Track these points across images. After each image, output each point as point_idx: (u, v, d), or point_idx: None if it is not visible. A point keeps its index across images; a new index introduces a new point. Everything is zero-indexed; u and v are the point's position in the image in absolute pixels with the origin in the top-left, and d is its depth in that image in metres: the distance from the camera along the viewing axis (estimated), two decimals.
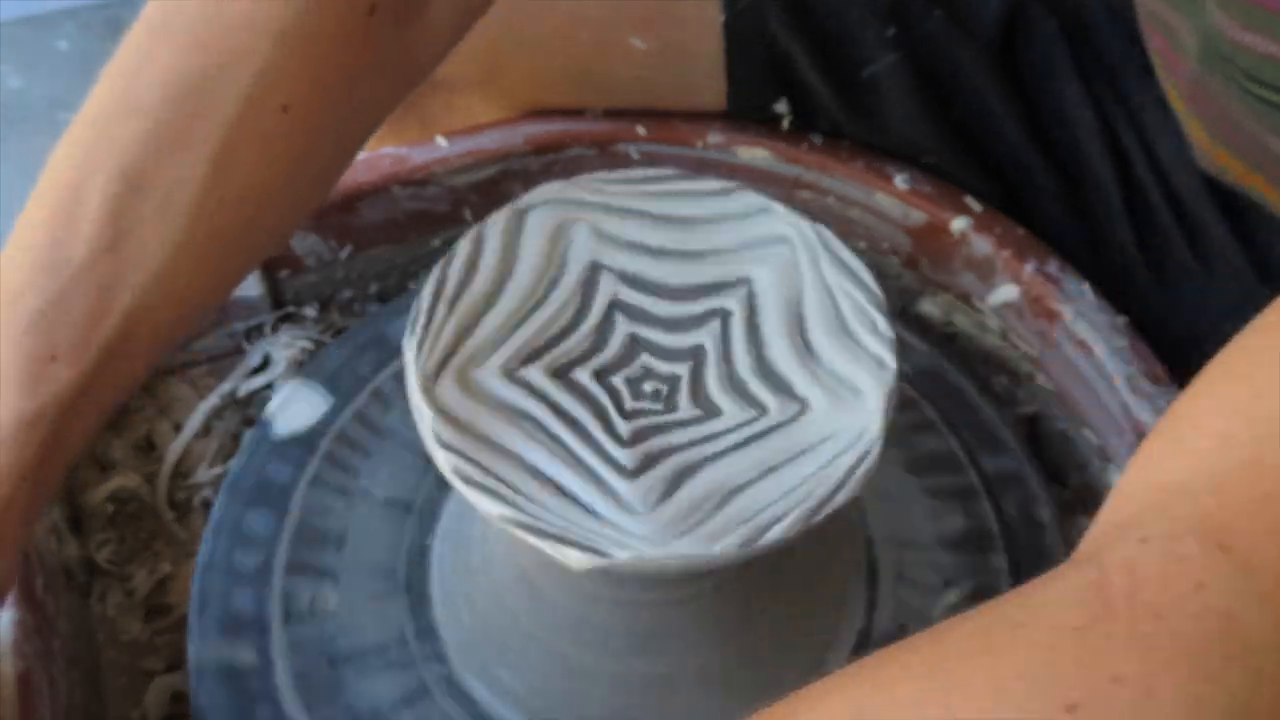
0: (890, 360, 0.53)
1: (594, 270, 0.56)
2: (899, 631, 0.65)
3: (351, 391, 0.72)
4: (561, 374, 0.54)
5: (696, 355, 0.55)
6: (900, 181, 0.76)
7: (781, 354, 0.54)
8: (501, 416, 0.52)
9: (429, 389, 0.51)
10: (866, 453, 0.51)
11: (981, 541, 0.69)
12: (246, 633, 0.64)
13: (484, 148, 0.78)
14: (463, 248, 0.55)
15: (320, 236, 0.77)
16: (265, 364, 0.79)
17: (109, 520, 0.73)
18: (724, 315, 0.55)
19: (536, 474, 0.51)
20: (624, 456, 0.51)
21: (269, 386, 0.78)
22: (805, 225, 0.57)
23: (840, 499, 0.50)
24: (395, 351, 0.73)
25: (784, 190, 0.78)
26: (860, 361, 0.53)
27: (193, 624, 0.64)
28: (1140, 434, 0.70)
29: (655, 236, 0.57)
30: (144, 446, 0.77)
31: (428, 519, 0.66)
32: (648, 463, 0.51)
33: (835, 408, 0.53)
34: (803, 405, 0.53)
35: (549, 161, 0.79)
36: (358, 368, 0.73)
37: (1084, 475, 0.75)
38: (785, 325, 0.55)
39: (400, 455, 0.69)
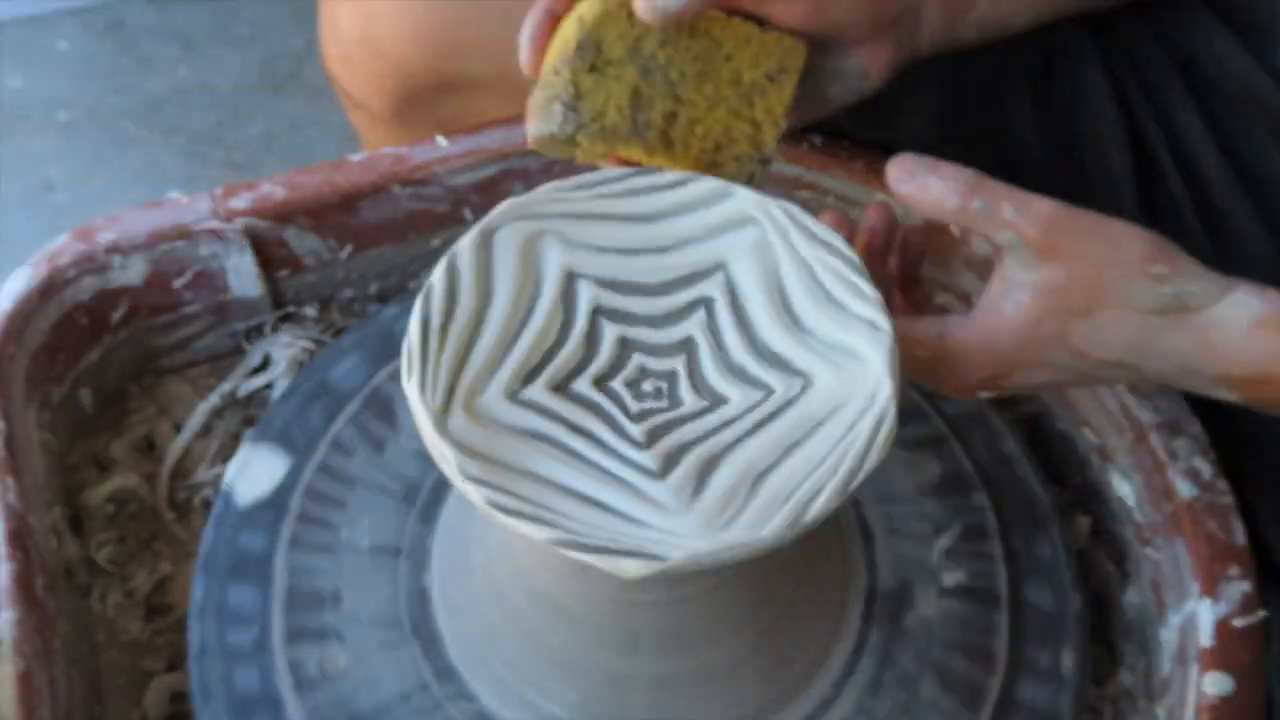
0: (883, 320, 0.53)
1: (571, 279, 0.55)
2: (902, 585, 0.66)
3: (308, 446, 0.70)
4: (562, 388, 0.53)
5: (688, 347, 0.55)
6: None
7: (772, 332, 0.54)
8: (516, 440, 0.51)
9: (442, 427, 0.51)
10: (884, 414, 0.51)
11: (960, 484, 0.70)
12: (259, 712, 0.63)
13: (484, 147, 0.78)
14: (438, 280, 0.54)
15: (320, 236, 0.77)
16: (265, 364, 0.79)
17: (109, 520, 0.73)
18: (707, 303, 0.55)
19: (566, 491, 0.50)
20: (645, 459, 0.51)
21: (269, 386, 0.78)
22: (770, 204, 0.56)
23: (870, 463, 0.50)
24: (343, 398, 0.72)
25: (784, 190, 0.78)
26: (852, 327, 0.53)
27: (200, 715, 0.63)
28: (1140, 434, 0.70)
29: (624, 236, 0.56)
30: (144, 446, 0.77)
31: (420, 559, 0.65)
32: (670, 461, 0.51)
33: (839, 377, 0.53)
34: (806, 379, 0.53)
35: (549, 161, 0.79)
36: (309, 421, 0.71)
37: (1084, 475, 0.75)
38: (770, 303, 0.55)
39: (377, 501, 0.68)
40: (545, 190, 0.57)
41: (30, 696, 0.58)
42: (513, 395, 0.53)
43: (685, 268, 0.56)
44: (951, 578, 0.67)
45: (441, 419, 0.51)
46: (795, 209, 0.56)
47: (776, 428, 0.52)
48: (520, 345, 0.54)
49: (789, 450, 0.51)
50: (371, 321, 0.76)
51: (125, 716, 0.67)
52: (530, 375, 0.53)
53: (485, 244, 0.55)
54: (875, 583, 0.65)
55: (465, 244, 0.55)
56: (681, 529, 0.49)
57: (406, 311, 0.72)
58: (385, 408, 0.71)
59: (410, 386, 0.51)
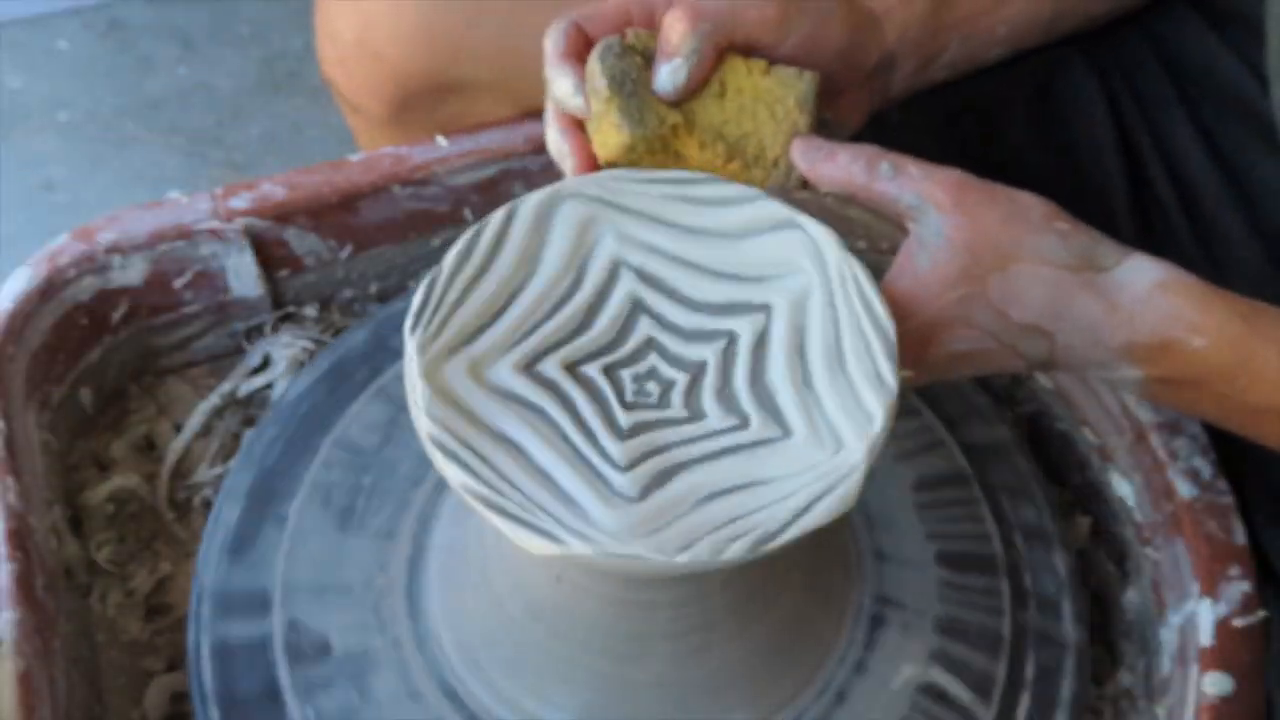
0: (880, 418, 0.52)
1: (617, 268, 0.56)
2: (899, 550, 0.67)
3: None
4: (574, 367, 0.54)
5: (698, 367, 0.55)
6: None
7: (778, 379, 0.54)
8: (502, 402, 0.52)
9: (433, 368, 0.51)
10: (837, 500, 0.50)
11: (923, 435, 0.72)
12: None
13: (484, 147, 0.78)
14: (489, 231, 0.54)
15: (320, 236, 0.77)
16: (265, 364, 0.79)
17: (109, 520, 0.73)
18: (732, 337, 0.55)
19: (524, 460, 0.51)
20: (619, 450, 0.52)
21: (269, 386, 0.78)
22: (833, 247, 0.55)
23: (787, 536, 0.49)
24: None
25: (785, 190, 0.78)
26: (848, 410, 0.53)
27: None
28: (1140, 434, 0.70)
29: (684, 247, 0.56)
30: (144, 446, 0.77)
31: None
32: (639, 459, 0.52)
33: (815, 444, 0.52)
34: (785, 431, 0.53)
35: (549, 161, 0.79)
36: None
37: (1084, 475, 0.75)
38: (788, 354, 0.55)
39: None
40: (615, 177, 0.56)
41: (30, 696, 0.58)
42: (525, 367, 0.53)
43: (729, 296, 0.56)
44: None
45: (436, 362, 0.52)
46: (854, 260, 0.55)
47: (741, 461, 0.52)
48: (554, 321, 0.54)
49: (747, 484, 0.51)
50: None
51: (125, 716, 0.67)
52: (552, 349, 0.54)
53: (547, 212, 0.55)
54: (878, 544, 0.67)
55: (531, 203, 0.55)
56: (610, 525, 0.49)
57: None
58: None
59: (408, 326, 0.52)
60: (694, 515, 0.50)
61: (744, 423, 0.53)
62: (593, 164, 0.59)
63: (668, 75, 0.57)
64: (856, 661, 0.63)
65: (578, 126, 0.59)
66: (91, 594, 0.71)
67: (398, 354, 0.61)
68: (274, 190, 0.75)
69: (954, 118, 0.78)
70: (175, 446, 0.76)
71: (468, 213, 0.79)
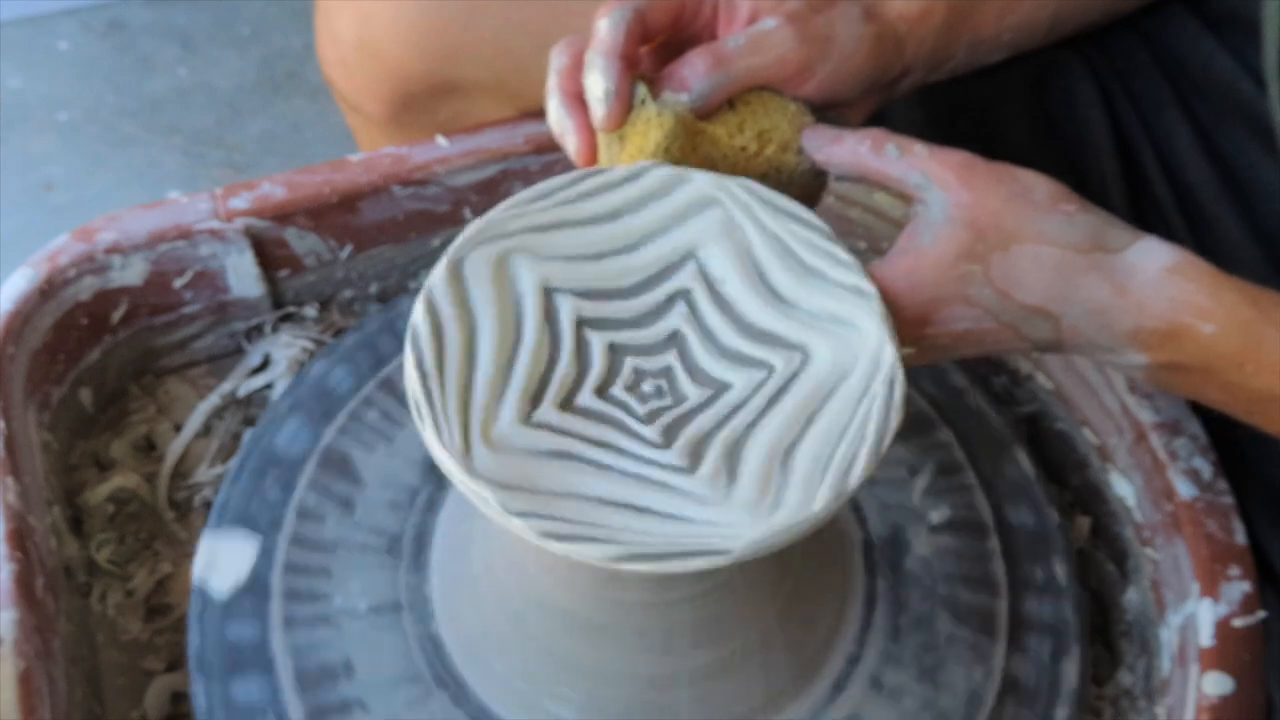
0: (867, 285, 0.53)
1: (549, 295, 0.55)
2: (893, 532, 0.67)
3: (273, 522, 0.68)
4: (568, 404, 0.53)
5: (676, 341, 0.54)
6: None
7: (758, 312, 0.54)
8: (543, 464, 0.51)
9: (470, 469, 0.50)
10: (894, 375, 0.51)
11: (921, 423, 0.72)
12: None
13: (484, 147, 0.78)
14: (420, 321, 0.52)
15: (320, 236, 0.77)
16: (265, 364, 0.79)
17: (109, 520, 0.73)
18: (686, 294, 0.55)
19: (610, 504, 0.50)
20: (669, 457, 0.51)
21: (269, 386, 0.78)
22: (729, 182, 0.56)
23: (894, 424, 0.51)
24: (295, 465, 0.70)
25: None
26: (836, 295, 0.53)
27: None
28: (1140, 434, 0.70)
29: (589, 240, 0.56)
30: (144, 446, 0.77)
31: (423, 609, 0.64)
32: (695, 455, 0.51)
33: (835, 345, 0.53)
34: (804, 353, 0.53)
35: (549, 161, 0.79)
36: (266, 496, 0.69)
37: (1084, 475, 0.75)
38: (748, 284, 0.55)
39: (362, 560, 0.66)
40: (503, 209, 0.55)
41: (30, 696, 0.58)
42: (525, 419, 0.52)
43: (656, 263, 0.56)
44: (938, 515, 0.69)
45: (466, 460, 0.50)
46: (755, 184, 0.56)
47: (788, 403, 0.52)
48: (518, 369, 0.53)
49: (808, 422, 0.52)
50: (303, 382, 0.74)
51: (125, 716, 0.67)
52: (535, 397, 0.53)
53: (456, 274, 0.54)
54: (869, 534, 0.67)
55: (437, 278, 0.54)
56: (727, 519, 0.49)
57: (336, 365, 0.73)
58: (343, 465, 0.70)
59: (428, 436, 0.50)
60: (793, 474, 0.50)
61: (769, 370, 0.53)
62: (593, 141, 0.58)
63: (673, 102, 0.58)
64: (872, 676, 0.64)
65: (580, 103, 0.59)
66: (91, 594, 0.71)
67: None
68: (274, 190, 0.75)
69: (951, 119, 0.78)
70: (175, 446, 0.76)
71: (467, 213, 0.79)
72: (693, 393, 0.53)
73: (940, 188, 0.55)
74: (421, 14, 0.76)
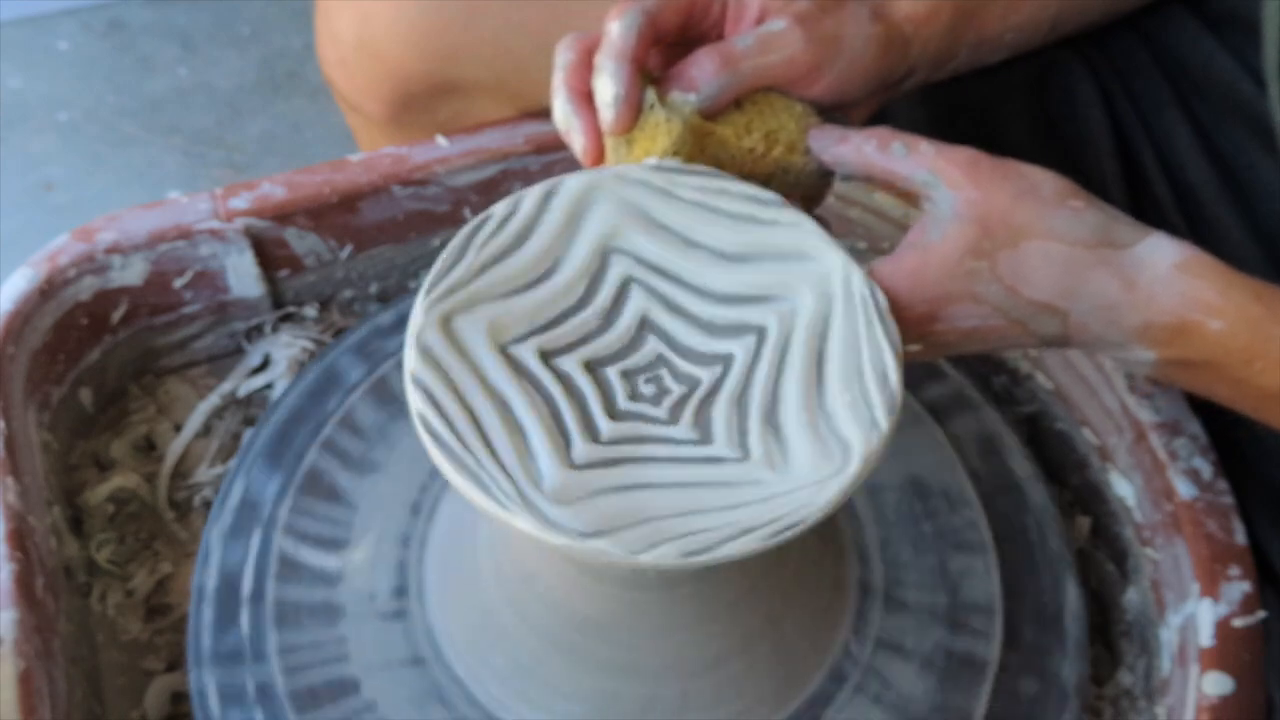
0: (793, 214, 0.54)
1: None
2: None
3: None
4: (592, 366, 0.53)
5: (650, 328, 0.54)
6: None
7: (715, 277, 0.54)
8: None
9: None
10: (871, 288, 0.53)
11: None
12: None
13: (484, 147, 0.78)
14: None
15: (320, 236, 0.77)
16: (265, 364, 0.79)
17: (109, 520, 0.73)
18: (633, 282, 0.55)
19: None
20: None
21: (269, 386, 0.78)
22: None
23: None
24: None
25: None
26: (778, 233, 0.54)
27: None
28: (1140, 434, 0.70)
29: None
30: (144, 446, 0.77)
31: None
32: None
33: (810, 283, 0.53)
34: (790, 302, 0.54)
35: (549, 161, 0.79)
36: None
37: (1084, 475, 0.75)
38: (683, 252, 0.55)
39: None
40: (434, 283, 0.54)
41: (30, 696, 0.58)
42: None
43: (583, 271, 0.55)
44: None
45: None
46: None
47: (795, 355, 0.53)
48: (529, 423, 0.52)
49: (821, 363, 0.53)
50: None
51: (125, 716, 0.67)
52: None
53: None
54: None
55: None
56: (799, 479, 0.50)
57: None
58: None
59: (502, 513, 0.50)
60: (835, 418, 0.51)
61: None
62: (600, 142, 0.58)
63: (681, 102, 0.57)
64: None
65: (588, 101, 0.58)
66: (91, 594, 0.71)
67: None
68: (274, 190, 0.75)
69: (952, 118, 0.78)
70: (175, 447, 0.76)
71: (467, 212, 0.79)
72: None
73: (947, 185, 0.55)
74: (421, 14, 0.76)
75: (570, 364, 0.53)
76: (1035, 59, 0.75)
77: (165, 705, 0.68)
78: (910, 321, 0.55)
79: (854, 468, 0.50)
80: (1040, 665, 0.66)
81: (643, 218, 0.55)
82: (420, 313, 0.52)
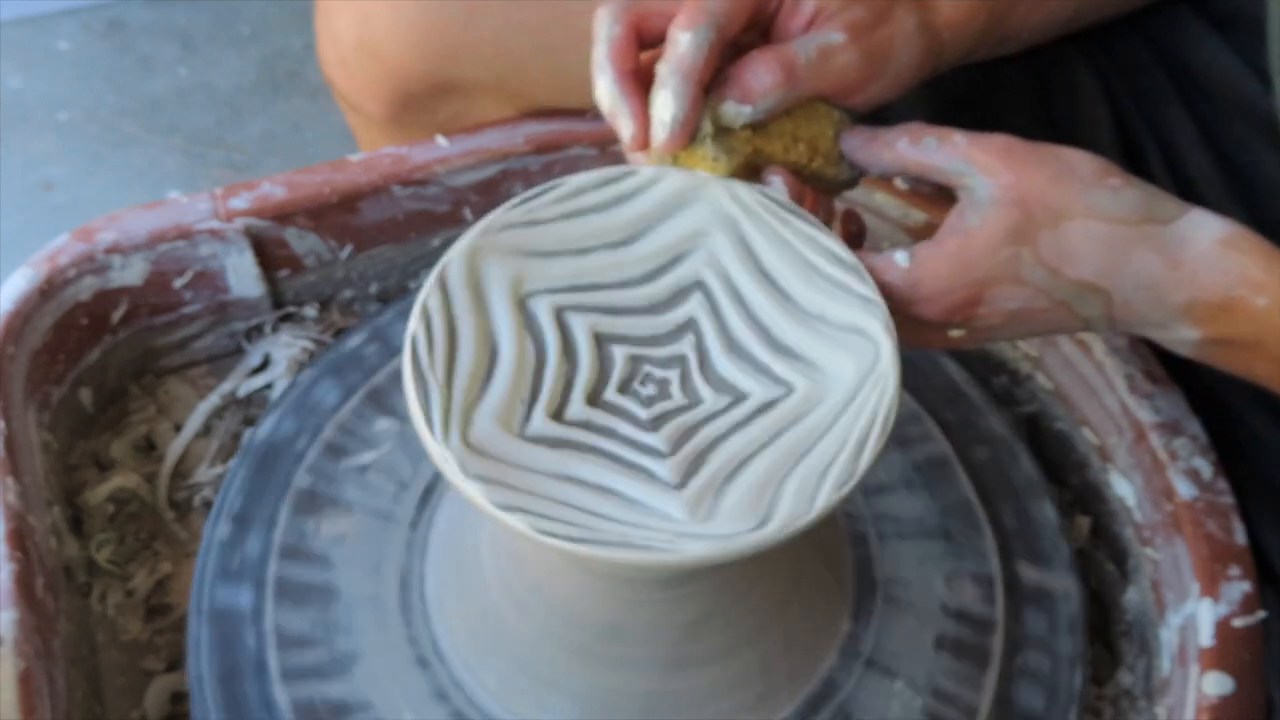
0: (874, 294, 0.53)
1: (527, 300, 0.54)
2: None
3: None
4: (596, 400, 0.53)
5: (694, 329, 0.54)
6: (900, 181, 0.76)
7: (773, 317, 0.54)
8: (555, 450, 0.51)
9: (463, 428, 0.51)
10: (886, 386, 0.52)
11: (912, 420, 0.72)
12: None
13: (484, 147, 0.78)
14: (422, 332, 0.52)
15: (320, 236, 0.77)
16: (265, 364, 0.79)
17: (109, 520, 0.73)
18: (700, 285, 0.55)
19: (581, 483, 0.51)
20: (656, 440, 0.52)
21: (269, 386, 0.78)
22: (710, 181, 0.55)
23: (875, 438, 0.51)
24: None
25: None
26: (846, 301, 0.53)
27: None
28: (1140, 433, 0.70)
29: (573, 236, 0.55)
30: (144, 446, 0.77)
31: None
32: (692, 466, 0.51)
33: (855, 361, 0.53)
34: (823, 374, 0.53)
35: (549, 161, 0.79)
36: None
37: (1084, 475, 0.75)
38: (757, 280, 0.55)
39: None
40: (483, 223, 0.55)
41: (30, 696, 0.58)
42: (555, 415, 0.52)
43: (657, 255, 0.56)
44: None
45: (459, 423, 0.51)
46: (736, 183, 0.55)
47: (802, 426, 0.52)
48: (546, 380, 0.53)
49: (802, 456, 0.52)
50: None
51: (125, 716, 0.67)
52: (564, 396, 0.53)
53: (440, 287, 0.54)
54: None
55: (429, 290, 0.53)
56: (674, 513, 0.50)
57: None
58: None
59: (425, 438, 0.51)
60: (782, 500, 0.50)
61: (788, 390, 0.53)
62: (648, 128, 0.56)
63: (735, 114, 0.57)
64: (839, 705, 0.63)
65: (638, 83, 0.56)
66: (91, 594, 0.71)
67: None
68: (274, 190, 0.75)
69: (956, 115, 0.78)
70: (175, 447, 0.76)
71: (467, 212, 0.79)
72: (707, 398, 0.53)
73: (983, 172, 0.55)
74: (421, 14, 0.76)
75: (582, 327, 0.54)
76: (1039, 55, 0.75)
77: (165, 705, 0.68)
78: (953, 306, 0.55)
79: (886, 347, 0.52)
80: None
81: (733, 230, 0.55)
82: (476, 235, 0.53)
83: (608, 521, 0.49)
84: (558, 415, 0.52)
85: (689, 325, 0.55)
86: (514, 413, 0.51)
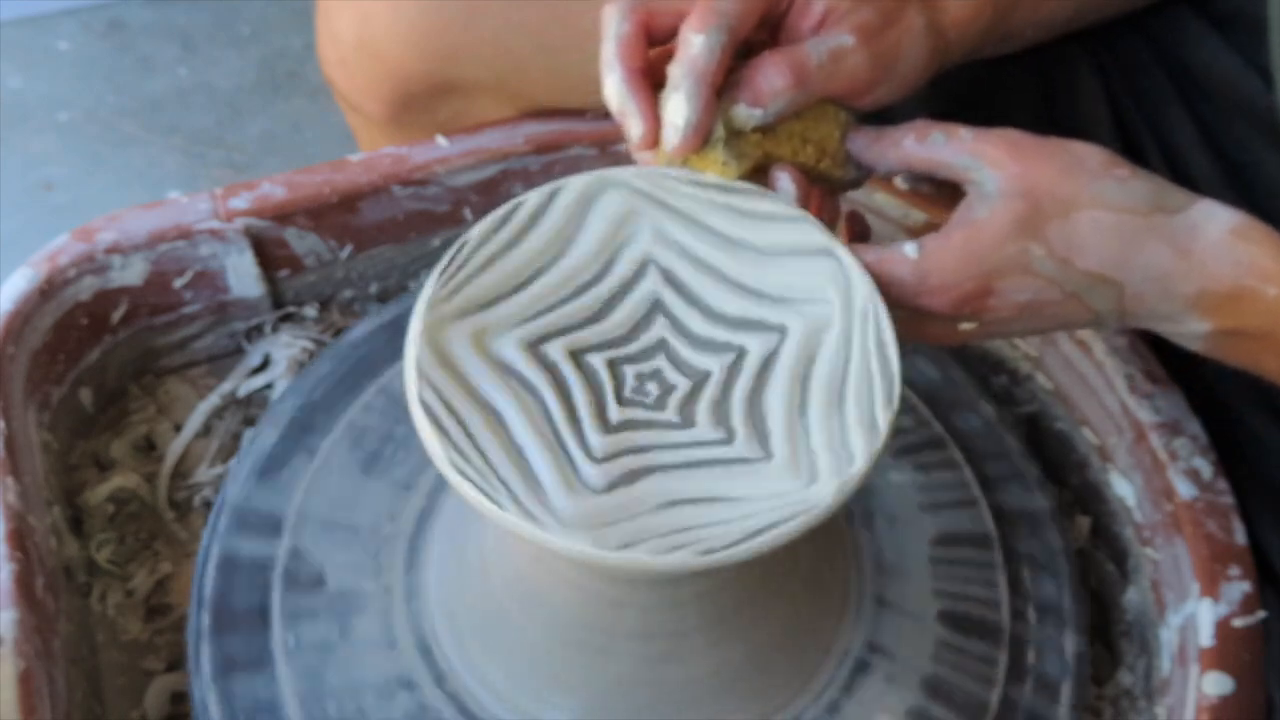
0: (861, 460, 0.51)
1: (644, 265, 0.55)
2: (902, 600, 0.66)
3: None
4: (579, 355, 0.53)
5: (701, 376, 0.54)
6: (900, 181, 0.76)
7: (773, 406, 0.53)
8: (504, 378, 0.52)
9: (436, 329, 0.51)
10: (795, 528, 0.50)
11: (956, 491, 0.71)
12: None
13: (484, 147, 0.78)
14: (532, 200, 0.54)
15: (320, 236, 0.77)
16: (265, 364, 0.79)
17: (109, 520, 0.73)
18: (741, 353, 0.54)
19: (503, 432, 0.51)
20: (599, 442, 0.51)
21: (269, 386, 0.78)
22: (861, 285, 0.54)
23: (738, 553, 0.49)
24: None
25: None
26: (834, 447, 0.52)
27: None
28: (1140, 434, 0.70)
29: (717, 257, 0.55)
30: (144, 446, 0.77)
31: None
32: (616, 454, 0.51)
33: (790, 473, 0.51)
34: (766, 453, 0.52)
35: (549, 161, 0.79)
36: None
37: (1084, 475, 0.75)
38: (793, 375, 0.54)
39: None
40: (668, 174, 0.55)
41: (30, 696, 0.58)
42: (529, 345, 0.53)
43: (749, 312, 0.55)
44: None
45: (442, 323, 0.52)
46: (881, 303, 0.54)
47: (713, 475, 0.52)
48: (567, 307, 0.53)
49: (705, 500, 0.51)
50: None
51: (125, 716, 0.67)
52: (558, 333, 0.53)
53: (589, 197, 0.55)
54: (882, 556, 0.67)
55: (574, 186, 0.54)
56: (566, 511, 0.50)
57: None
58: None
59: (507, 518, 0.50)
60: (649, 518, 0.50)
61: (729, 438, 0.52)
62: (658, 128, 0.55)
63: (746, 117, 0.56)
64: (831, 702, 0.62)
65: (647, 82, 0.56)
66: (91, 594, 0.71)
67: None
68: (274, 190, 0.75)
69: (958, 115, 0.78)
70: (175, 447, 0.76)
71: (467, 212, 0.79)
72: (670, 415, 0.53)
73: (990, 166, 0.55)
74: (421, 14, 0.76)
75: (558, 353, 0.53)
76: (1040, 54, 0.75)
77: (165, 705, 0.68)
78: (963, 297, 0.55)
79: (858, 467, 0.50)
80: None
81: (657, 203, 0.55)
82: (418, 329, 0.52)
83: (723, 525, 0.49)
84: (576, 353, 0.53)
85: (656, 308, 0.55)
86: (563, 469, 0.51)
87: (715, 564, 0.49)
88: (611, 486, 0.51)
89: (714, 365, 0.54)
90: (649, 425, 0.52)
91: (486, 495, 0.49)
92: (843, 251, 0.55)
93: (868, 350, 0.53)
